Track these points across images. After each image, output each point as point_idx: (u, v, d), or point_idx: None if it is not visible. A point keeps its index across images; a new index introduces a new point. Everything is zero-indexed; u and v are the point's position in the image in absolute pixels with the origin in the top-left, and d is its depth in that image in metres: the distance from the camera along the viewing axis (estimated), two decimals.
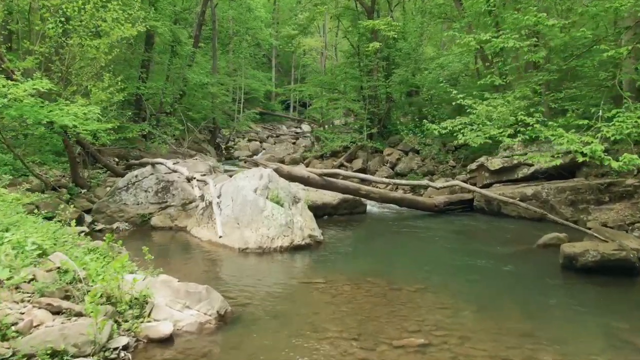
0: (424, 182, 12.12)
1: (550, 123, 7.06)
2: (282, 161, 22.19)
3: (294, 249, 8.55)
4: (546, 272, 7.20)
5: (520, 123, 7.50)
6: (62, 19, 9.90)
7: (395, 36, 15.83)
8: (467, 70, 20.27)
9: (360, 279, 6.73)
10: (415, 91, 22.74)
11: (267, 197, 9.21)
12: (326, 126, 25.48)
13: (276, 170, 10.20)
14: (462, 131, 8.07)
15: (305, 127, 36.73)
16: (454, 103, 15.37)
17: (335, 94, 21.77)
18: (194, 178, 9.27)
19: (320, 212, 11.56)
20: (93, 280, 4.84)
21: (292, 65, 41.90)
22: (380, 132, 20.00)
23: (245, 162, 10.99)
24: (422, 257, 8.34)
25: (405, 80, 18.69)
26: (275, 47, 40.15)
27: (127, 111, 13.69)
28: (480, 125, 7.65)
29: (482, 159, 13.25)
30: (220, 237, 6.83)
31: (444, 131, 8.32)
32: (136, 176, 10.79)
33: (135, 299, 4.85)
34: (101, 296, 4.61)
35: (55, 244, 6.13)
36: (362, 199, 12.08)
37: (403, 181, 12.18)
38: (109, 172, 13.08)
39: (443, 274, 7.20)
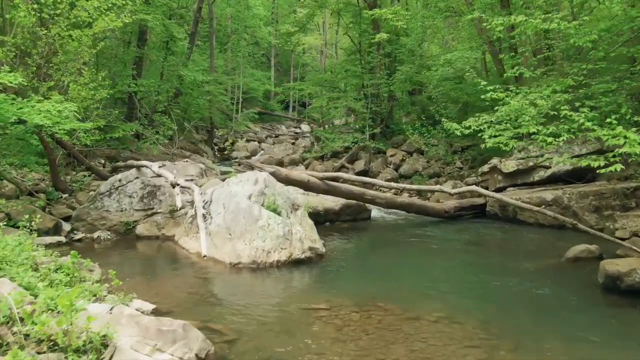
0: (437, 187, 11.00)
1: (608, 120, 5.97)
2: (280, 163, 21.12)
3: (293, 263, 7.47)
4: (585, 295, 6.12)
5: (563, 120, 6.40)
6: (35, 6, 8.81)
7: (404, 26, 14.73)
8: (474, 69, 19.21)
9: (370, 303, 5.65)
10: (418, 90, 21.68)
11: (262, 205, 8.13)
12: (326, 126, 24.39)
13: (273, 174, 9.13)
14: (488, 130, 6.95)
15: (305, 127, 35.69)
16: (461, 102, 14.36)
17: (336, 92, 20.65)
18: (178, 184, 8.17)
19: (321, 218, 10.49)
20: (34, 319, 3.75)
21: (291, 65, 40.81)
22: (382, 132, 18.92)
23: (239, 165, 9.87)
24: (437, 274, 7.26)
25: (409, 78, 17.59)
26: (274, 46, 39.05)
27: (115, 110, 12.59)
28: (514, 122, 6.55)
29: (495, 161, 12.17)
30: (205, 256, 5.77)
31: (467, 131, 7.26)
32: (120, 180, 9.71)
33: (90, 342, 3.77)
34: (42, 341, 3.54)
35: (7, 265, 5.07)
36: (367, 204, 11.00)
37: (413, 186, 11.06)
38: (94, 175, 11.96)
39: (465, 297, 6.12)
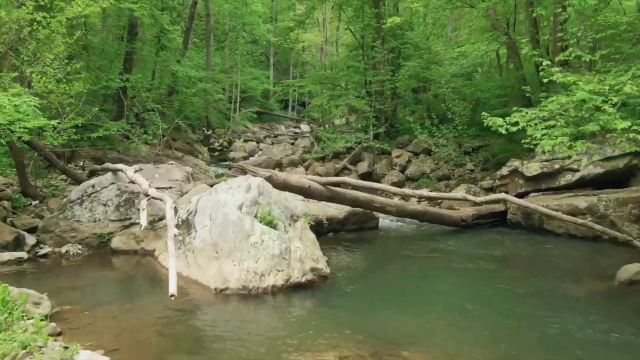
0: (459, 194, 9.56)
1: None
2: (279, 164, 19.74)
3: (291, 288, 6.09)
4: None
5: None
6: None
7: (420, 8, 13.31)
8: (484, 64, 17.88)
9: (393, 352, 4.28)
10: (423, 87, 20.30)
11: (255, 216, 6.75)
12: (326, 126, 23.00)
13: (269, 179, 7.74)
14: (536, 128, 5.55)
15: (305, 127, 34.33)
16: (474, 99, 12.98)
17: (337, 90, 19.22)
18: (147, 195, 6.77)
19: (323, 229, 9.11)
20: None
21: (290, 64, 39.40)
22: (387, 132, 17.52)
23: (230, 169, 8.48)
24: (466, 303, 5.86)
25: (416, 74, 16.20)
26: (273, 44, 37.67)
27: (96, 107, 11.18)
28: (576, 116, 5.19)
29: (516, 163, 10.80)
30: (172, 296, 4.38)
31: (514, 128, 5.89)
32: (93, 186, 8.31)
33: None
34: None
35: None
36: (374, 212, 9.62)
37: (432, 193, 9.59)
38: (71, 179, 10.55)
39: (509, 340, 4.74)
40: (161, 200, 6.50)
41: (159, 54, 18.47)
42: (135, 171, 7.61)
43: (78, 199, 8.21)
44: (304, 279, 6.18)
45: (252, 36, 32.23)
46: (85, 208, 8.15)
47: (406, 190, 9.35)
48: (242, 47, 31.10)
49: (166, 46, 19.26)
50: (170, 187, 8.36)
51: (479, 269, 7.38)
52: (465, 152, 14.80)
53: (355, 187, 8.65)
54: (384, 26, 14.74)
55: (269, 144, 29.34)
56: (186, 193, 8.23)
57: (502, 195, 9.08)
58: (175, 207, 6.63)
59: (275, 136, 32.12)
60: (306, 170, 17.50)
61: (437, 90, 20.50)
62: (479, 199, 9.09)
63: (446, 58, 15.40)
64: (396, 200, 9.44)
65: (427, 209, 9.44)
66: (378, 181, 16.06)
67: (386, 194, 9.73)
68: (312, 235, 7.11)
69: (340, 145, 16.27)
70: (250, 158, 25.69)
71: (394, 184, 14.65)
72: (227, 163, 23.85)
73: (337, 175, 16.69)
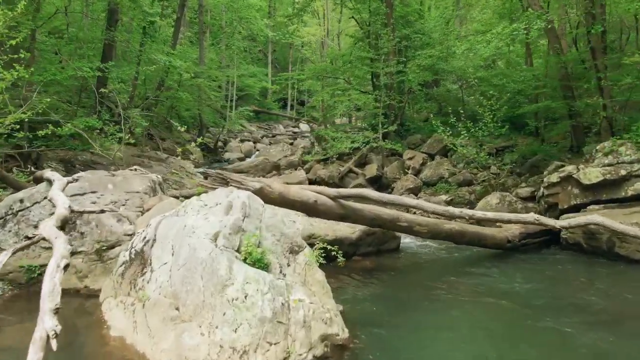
0: (530, 216, 6.91)
1: None
2: (276, 166, 17.39)
3: None
4: None
5: None
6: None
7: None
8: (503, 55, 15.53)
9: None
10: (434, 82, 17.94)
11: (237, 250, 4.42)
12: (328, 125, 20.64)
13: (259, 192, 5.40)
14: None
15: (304, 126, 32.04)
16: (509, 90, 10.74)
17: (340, 84, 16.77)
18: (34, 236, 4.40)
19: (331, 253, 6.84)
20: None
21: (289, 61, 37.01)
22: (396, 131, 15.20)
23: (206, 178, 6.12)
24: None
25: (430, 66, 13.86)
26: (271, 40, 35.31)
27: (49, 99, 8.80)
28: None
29: (570, 168, 8.47)
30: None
31: None
32: (21, 201, 5.94)
33: None
34: None
35: None
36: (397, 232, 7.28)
37: (490, 214, 6.88)
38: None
39: None
40: (55, 238, 4.07)
41: (145, 44, 16.05)
42: (71, 181, 5.25)
43: (1, 218, 5.85)
44: (310, 356, 3.84)
45: (249, 31, 29.81)
46: (10, 231, 5.79)
47: (452, 209, 6.74)
48: (238, 43, 28.75)
49: (152, 36, 16.87)
50: (127, 201, 5.99)
51: (542, 314, 5.02)
52: (489, 153, 12.47)
53: (376, 202, 6.26)
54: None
55: (267, 144, 27.08)
56: (148, 210, 5.88)
57: (594, 219, 6.56)
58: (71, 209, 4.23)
59: (274, 136, 29.87)
60: (307, 173, 15.15)
61: (449, 85, 18.22)
62: (559, 223, 6.68)
63: (465, 46, 13.04)
64: (426, 216, 7.05)
65: (466, 228, 7.07)
66: (389, 186, 13.78)
67: (423, 212, 7.21)
68: (320, 276, 4.76)
69: (346, 146, 13.93)
70: (247, 159, 23.35)
71: (409, 191, 12.36)
72: (220, 164, 21.60)
73: (341, 179, 14.38)
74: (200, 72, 21.64)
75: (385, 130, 14.10)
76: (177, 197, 6.59)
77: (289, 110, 36.38)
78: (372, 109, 15.15)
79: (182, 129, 11.24)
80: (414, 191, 12.36)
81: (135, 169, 6.80)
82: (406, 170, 13.88)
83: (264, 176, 16.12)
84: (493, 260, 7.33)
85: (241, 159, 23.17)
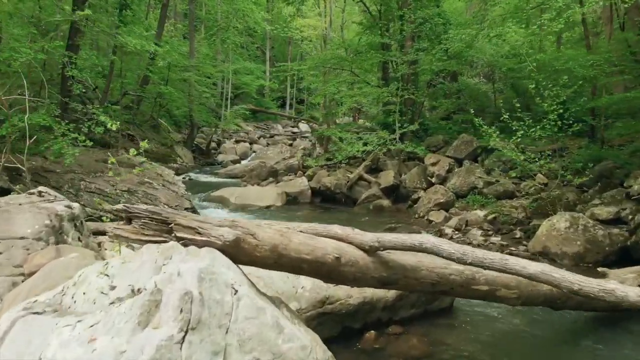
0: None
1: None
2: (273, 172, 14.56)
3: None
4: None
5: None
6: None
7: None
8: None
9: None
10: (451, 76, 15.17)
11: None
12: (331, 124, 17.84)
13: (234, 248, 2.61)
14: None
15: (304, 126, 29.31)
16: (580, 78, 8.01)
17: (345, 75, 13.90)
18: None
19: (356, 322, 4.14)
20: None
21: (288, 58, 34.18)
22: (414, 132, 12.44)
23: (129, 220, 3.26)
24: None
25: (458, 53, 11.09)
26: (269, 37, 32.55)
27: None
28: None
29: None
30: None
31: None
32: None
33: None
34: None
35: None
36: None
37: None
38: None
39: None
40: None
41: (120, 29, 13.21)
42: None
43: None
44: None
45: (246, 25, 26.98)
46: None
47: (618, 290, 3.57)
48: (234, 38, 25.92)
49: (129, 23, 14.04)
50: None
51: None
52: (542, 156, 9.63)
53: (449, 258, 3.27)
54: None
55: (264, 145, 24.30)
56: (31, 275, 3.09)
57: None
58: None
59: (271, 136, 27.13)
60: (309, 180, 12.37)
61: (468, 80, 15.47)
62: None
63: (495, 32, 10.28)
64: (512, 275, 4.19)
65: (578, 291, 4.28)
66: (408, 197, 11.02)
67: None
68: None
69: (358, 149, 11.14)
70: (242, 161, 20.56)
71: (439, 206, 9.58)
72: (213, 167, 18.82)
73: (350, 188, 11.61)
74: (190, 66, 18.89)
75: (404, 130, 11.33)
76: (104, 234, 3.80)
77: (288, 109, 33.62)
78: (385, 105, 12.38)
79: (167, 128, 8.52)
80: (444, 206, 9.59)
81: (40, 193, 4.01)
82: (429, 177, 11.12)
83: (258, 184, 13.32)
84: (607, 329, 4.59)
85: (236, 162, 20.39)
